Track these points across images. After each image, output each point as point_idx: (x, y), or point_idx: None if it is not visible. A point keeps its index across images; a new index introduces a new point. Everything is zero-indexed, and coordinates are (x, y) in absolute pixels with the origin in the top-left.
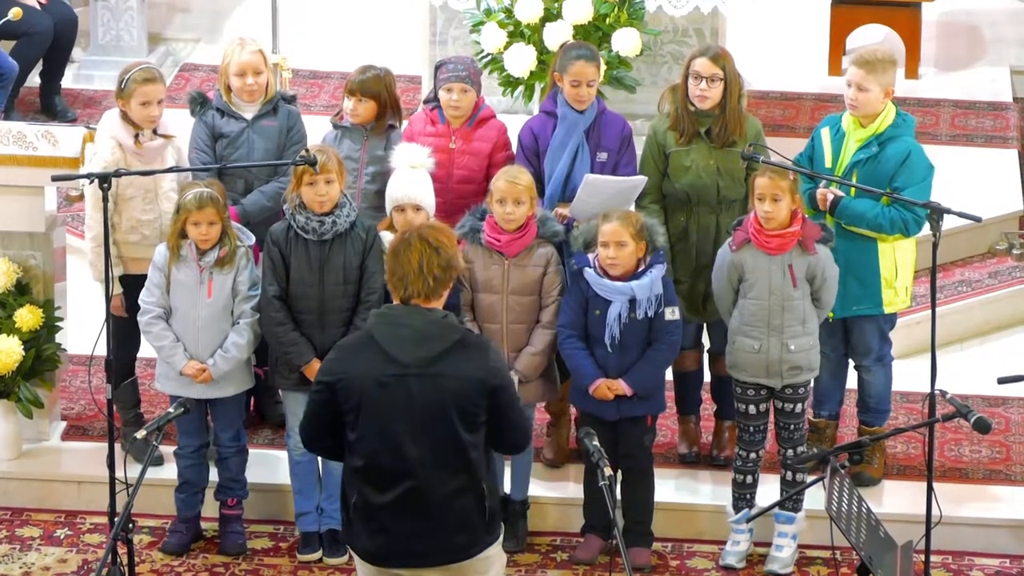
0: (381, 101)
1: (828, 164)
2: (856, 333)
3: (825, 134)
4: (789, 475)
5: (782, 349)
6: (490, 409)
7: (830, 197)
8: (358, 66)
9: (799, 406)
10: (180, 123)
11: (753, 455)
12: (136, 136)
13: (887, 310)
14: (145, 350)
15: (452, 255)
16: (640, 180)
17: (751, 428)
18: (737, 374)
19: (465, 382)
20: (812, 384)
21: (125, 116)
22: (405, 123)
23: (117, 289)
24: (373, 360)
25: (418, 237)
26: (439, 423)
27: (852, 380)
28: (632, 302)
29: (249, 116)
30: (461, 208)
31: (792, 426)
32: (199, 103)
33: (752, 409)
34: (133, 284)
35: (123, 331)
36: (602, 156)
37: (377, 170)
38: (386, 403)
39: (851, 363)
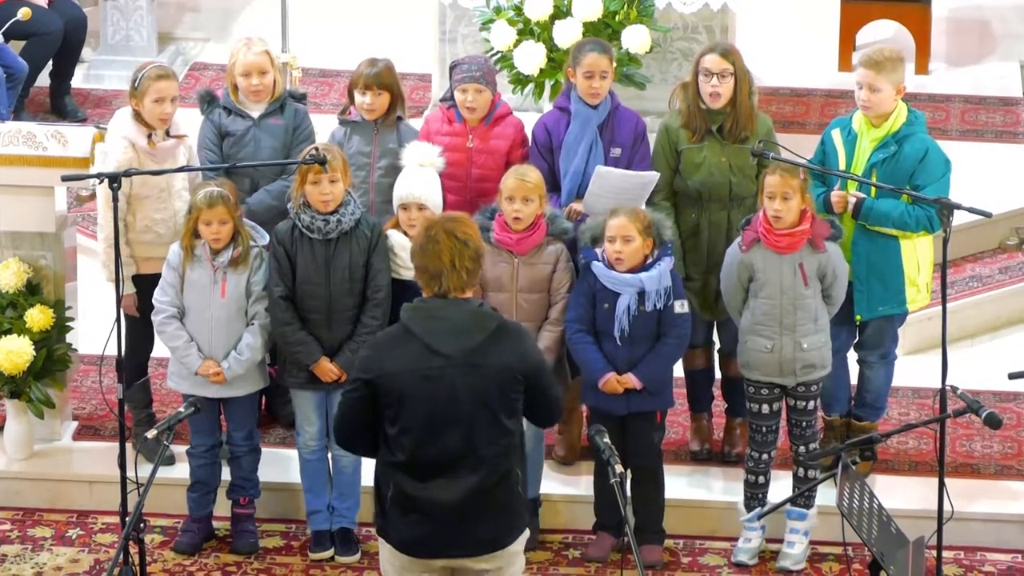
0: (394, 93)
1: (842, 166)
2: (871, 329)
3: (836, 136)
4: (801, 471)
5: (795, 348)
6: (528, 390)
7: (851, 200)
8: (362, 61)
9: (811, 403)
10: (190, 122)
11: (765, 456)
12: (149, 136)
13: (910, 307)
14: (156, 349)
15: (479, 244)
16: (652, 176)
17: (763, 428)
18: (749, 373)
19: (506, 370)
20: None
21: (138, 116)
22: (420, 120)
23: (130, 289)
24: (413, 354)
25: (444, 232)
26: (483, 412)
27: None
28: (641, 295)
29: (256, 115)
30: (479, 206)
31: (804, 423)
32: (207, 101)
33: (765, 408)
34: (147, 284)
35: (137, 333)
36: (616, 152)
37: (390, 163)
38: (430, 395)
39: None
